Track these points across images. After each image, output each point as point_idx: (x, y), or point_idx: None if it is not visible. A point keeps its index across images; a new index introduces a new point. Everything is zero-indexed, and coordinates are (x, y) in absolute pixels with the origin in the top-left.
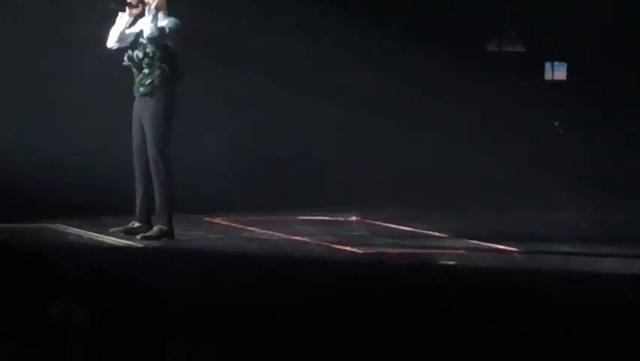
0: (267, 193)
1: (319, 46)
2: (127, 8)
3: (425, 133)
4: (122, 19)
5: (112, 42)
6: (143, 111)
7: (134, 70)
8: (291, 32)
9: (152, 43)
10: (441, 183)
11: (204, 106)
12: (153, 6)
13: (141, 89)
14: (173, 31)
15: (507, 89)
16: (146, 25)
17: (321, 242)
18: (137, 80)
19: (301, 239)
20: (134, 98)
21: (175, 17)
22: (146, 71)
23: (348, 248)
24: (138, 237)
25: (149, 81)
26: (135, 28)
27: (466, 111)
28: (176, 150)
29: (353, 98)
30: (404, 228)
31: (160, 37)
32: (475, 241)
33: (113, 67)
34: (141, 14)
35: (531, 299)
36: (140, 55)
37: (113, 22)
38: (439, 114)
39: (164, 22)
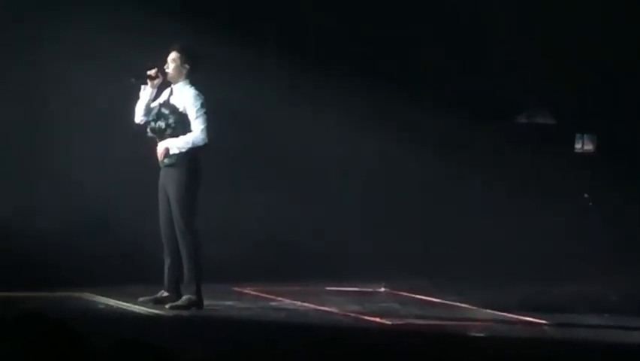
0: (296, 263)
1: (342, 115)
2: (148, 81)
3: (452, 204)
4: (146, 92)
5: (139, 117)
6: (168, 181)
7: (158, 141)
8: (313, 104)
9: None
10: (468, 254)
11: (231, 175)
12: (171, 74)
13: (165, 160)
14: (203, 108)
15: (536, 161)
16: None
17: (349, 313)
18: None
19: (329, 310)
20: (159, 168)
21: (195, 88)
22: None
23: (377, 319)
24: (167, 306)
25: (172, 152)
26: (160, 99)
27: (495, 182)
28: (204, 219)
29: (381, 169)
30: (433, 299)
31: (204, 135)
32: (503, 313)
33: (142, 136)
34: (163, 85)
35: None
36: (163, 125)
37: (137, 97)
38: (467, 185)
39: (187, 100)
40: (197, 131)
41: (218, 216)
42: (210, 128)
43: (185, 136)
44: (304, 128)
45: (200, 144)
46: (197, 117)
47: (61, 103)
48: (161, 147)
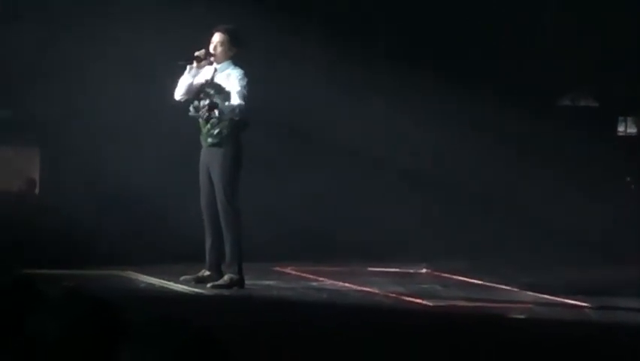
0: (337, 244)
1: (397, 105)
2: (195, 62)
3: (495, 187)
4: (190, 72)
5: (179, 94)
6: (211, 161)
7: (201, 120)
8: (365, 90)
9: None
10: (511, 236)
11: (274, 155)
12: (216, 57)
13: (209, 140)
14: (247, 87)
15: (579, 144)
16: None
17: (390, 294)
18: (204, 130)
19: (371, 290)
20: (201, 146)
21: (240, 67)
22: (214, 121)
23: (418, 300)
24: (208, 285)
25: (217, 131)
26: (201, 79)
27: (537, 165)
28: (245, 199)
29: (425, 151)
30: (474, 281)
31: (244, 108)
32: (545, 295)
33: (183, 115)
34: (209, 64)
35: (601, 355)
36: (206, 104)
37: (179, 75)
38: (510, 168)
39: (231, 78)
40: (236, 102)
41: (261, 195)
42: (250, 107)
43: (233, 105)
44: (348, 108)
45: (240, 112)
46: (237, 92)
47: (103, 82)
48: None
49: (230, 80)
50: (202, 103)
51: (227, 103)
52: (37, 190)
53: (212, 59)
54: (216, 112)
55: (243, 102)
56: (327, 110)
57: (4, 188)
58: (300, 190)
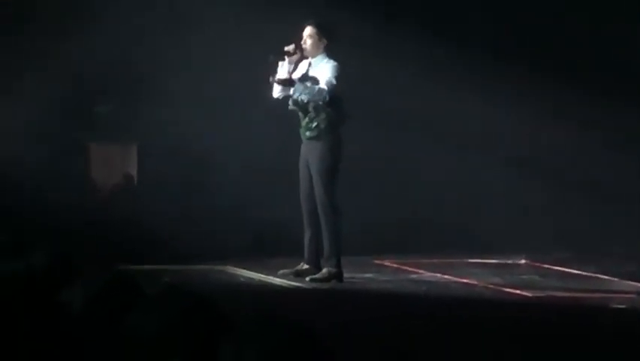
0: (436, 236)
1: (484, 97)
2: (286, 57)
3: (595, 177)
4: (283, 67)
5: (277, 92)
6: (310, 154)
7: (300, 114)
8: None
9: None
10: (610, 225)
11: (372, 147)
12: (308, 50)
13: (308, 133)
14: (337, 79)
15: None
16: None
17: (490, 285)
18: (303, 123)
19: (470, 282)
20: (300, 141)
21: (334, 60)
22: (312, 114)
23: (518, 291)
24: (307, 279)
25: (315, 124)
26: (298, 74)
27: (632, 158)
28: (344, 193)
29: (525, 144)
30: (573, 271)
31: (327, 95)
32: None
33: (279, 112)
34: (301, 58)
35: None
36: (305, 98)
37: (275, 72)
38: (611, 158)
39: (324, 69)
40: (322, 87)
41: (358, 189)
42: (336, 93)
43: (315, 87)
44: (448, 100)
45: (320, 100)
46: (326, 79)
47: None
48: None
49: (325, 72)
50: (300, 97)
51: (310, 86)
52: (134, 185)
53: (305, 52)
54: (303, 97)
55: (326, 88)
56: (426, 101)
57: (103, 183)
58: (397, 181)
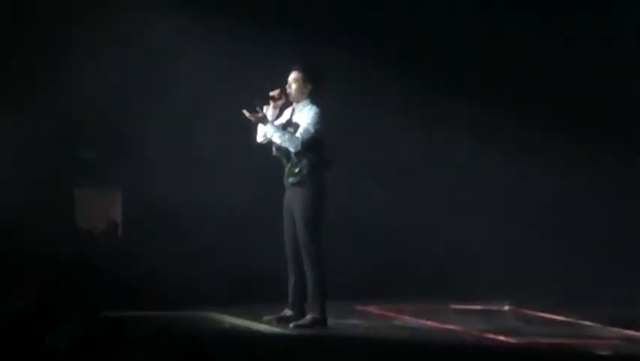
0: (419, 281)
1: (469, 143)
2: (271, 102)
3: (579, 223)
4: (268, 112)
5: (260, 137)
6: (293, 200)
7: (283, 160)
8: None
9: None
10: (595, 271)
11: (356, 193)
12: (293, 94)
13: (290, 179)
14: (315, 126)
15: None
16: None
17: (473, 331)
18: (286, 169)
19: (453, 328)
20: (284, 187)
21: (317, 106)
22: (294, 160)
23: (501, 337)
24: (291, 325)
25: (297, 170)
26: (282, 119)
27: (617, 202)
28: (328, 238)
29: (509, 186)
30: (557, 317)
31: (305, 144)
32: (630, 331)
33: (265, 156)
34: (286, 104)
35: None
36: None
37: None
38: (596, 201)
39: (306, 116)
40: (294, 136)
41: (341, 234)
42: (327, 147)
43: (288, 134)
44: (432, 147)
45: (291, 148)
46: (302, 127)
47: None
48: (261, 128)
49: (305, 117)
50: (275, 142)
51: (282, 134)
52: (119, 232)
53: (290, 97)
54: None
55: (299, 137)
56: (408, 144)
57: (87, 229)
58: (382, 227)
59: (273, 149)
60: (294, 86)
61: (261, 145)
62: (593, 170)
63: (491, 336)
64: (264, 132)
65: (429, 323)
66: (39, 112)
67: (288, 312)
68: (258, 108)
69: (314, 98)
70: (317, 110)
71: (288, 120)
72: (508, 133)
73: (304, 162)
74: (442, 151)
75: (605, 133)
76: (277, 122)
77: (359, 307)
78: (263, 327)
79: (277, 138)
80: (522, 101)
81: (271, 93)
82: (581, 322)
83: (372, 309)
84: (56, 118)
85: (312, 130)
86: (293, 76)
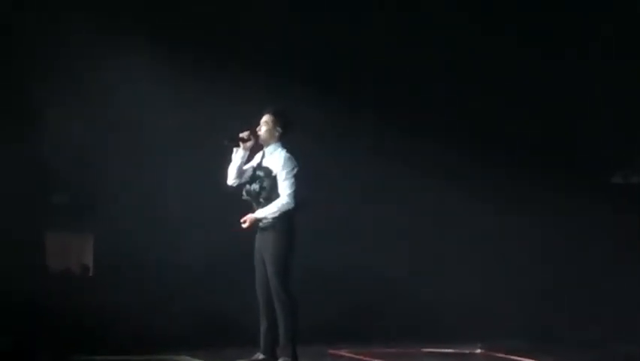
0: (391, 325)
1: (447, 181)
2: (240, 144)
3: (548, 265)
4: (238, 154)
5: (231, 179)
6: (263, 244)
7: (253, 204)
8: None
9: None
10: (566, 314)
11: (325, 236)
12: (262, 137)
13: (260, 224)
14: (292, 172)
15: (634, 222)
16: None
17: None
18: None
19: None
20: (254, 232)
21: (286, 151)
22: (264, 204)
23: None
24: None
25: (264, 220)
26: (252, 163)
27: (591, 244)
28: (299, 282)
29: (478, 230)
30: (529, 360)
31: (293, 203)
32: None
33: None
34: (256, 148)
35: None
36: (257, 188)
37: (228, 156)
38: (563, 245)
39: (275, 161)
40: (283, 197)
41: (313, 277)
42: (299, 192)
43: (272, 203)
44: (394, 185)
45: (287, 208)
46: (284, 180)
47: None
48: (250, 219)
49: (277, 163)
50: (253, 187)
51: (277, 209)
52: (90, 275)
53: (259, 140)
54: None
55: (289, 193)
56: (377, 190)
57: (59, 273)
58: (352, 271)
59: (243, 192)
60: (263, 128)
61: (230, 190)
62: (563, 214)
63: None
64: (240, 176)
65: None
66: (12, 157)
67: (260, 356)
68: (226, 143)
69: (284, 142)
70: (287, 155)
71: (258, 164)
72: (470, 177)
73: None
74: (405, 200)
75: (573, 180)
76: (247, 165)
77: (331, 351)
78: None
79: (275, 212)
80: (485, 147)
81: (241, 135)
82: None
83: (344, 353)
84: (30, 164)
85: (291, 179)
86: (264, 118)
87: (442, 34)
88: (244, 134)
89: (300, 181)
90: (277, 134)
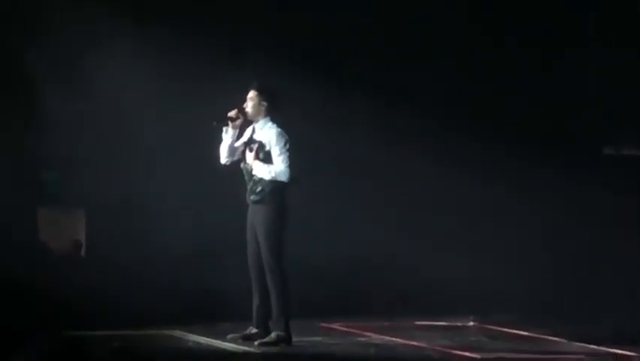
0: (384, 298)
1: (437, 158)
2: (229, 123)
3: (544, 240)
4: (228, 134)
5: (224, 158)
6: (256, 218)
7: (246, 177)
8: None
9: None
10: (559, 287)
11: (319, 210)
12: (250, 113)
13: (252, 197)
14: (285, 146)
15: (625, 194)
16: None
17: (438, 347)
18: (248, 187)
19: (418, 344)
20: (247, 205)
21: (277, 125)
22: (256, 178)
23: (466, 353)
24: (256, 343)
25: (260, 188)
26: (243, 138)
27: (582, 217)
28: (293, 254)
29: (471, 202)
30: (522, 332)
31: (290, 175)
32: (594, 346)
33: (227, 173)
34: (245, 124)
35: None
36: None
37: (219, 137)
38: (557, 219)
39: (266, 136)
40: (279, 165)
41: (306, 251)
42: (293, 166)
43: (271, 165)
44: (396, 163)
45: (282, 178)
46: (279, 155)
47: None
48: (251, 161)
49: (269, 140)
50: (249, 166)
51: (273, 173)
52: (82, 251)
53: (248, 116)
54: (258, 172)
55: (286, 166)
56: (371, 164)
57: (51, 249)
58: (345, 245)
59: (241, 164)
60: (250, 104)
61: (224, 167)
62: (558, 192)
63: (456, 352)
64: (233, 154)
65: (393, 339)
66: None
67: (252, 330)
68: (215, 124)
69: (273, 116)
70: (279, 130)
71: (249, 138)
72: (460, 154)
73: (267, 180)
74: (405, 171)
75: (573, 164)
76: (238, 143)
77: (323, 325)
78: (227, 345)
79: (267, 174)
80: (478, 128)
81: (229, 114)
82: (545, 337)
83: (336, 326)
84: (18, 139)
85: (286, 153)
86: (250, 94)
87: None
88: (232, 113)
89: (292, 154)
90: (263, 108)
